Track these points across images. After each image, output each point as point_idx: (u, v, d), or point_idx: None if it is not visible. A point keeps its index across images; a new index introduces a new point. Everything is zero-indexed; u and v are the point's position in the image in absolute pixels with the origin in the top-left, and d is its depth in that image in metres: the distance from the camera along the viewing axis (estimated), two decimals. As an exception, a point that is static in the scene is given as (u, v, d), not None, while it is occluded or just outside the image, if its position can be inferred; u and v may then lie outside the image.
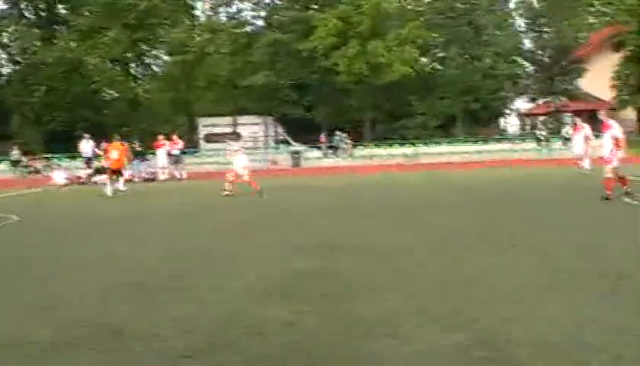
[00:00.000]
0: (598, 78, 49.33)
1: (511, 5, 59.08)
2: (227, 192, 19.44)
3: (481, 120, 52.92)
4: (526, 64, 56.04)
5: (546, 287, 6.72)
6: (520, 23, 58.50)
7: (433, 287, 6.91)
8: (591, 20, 59.32)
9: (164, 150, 32.85)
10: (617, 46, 49.32)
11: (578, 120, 27.18)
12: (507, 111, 59.89)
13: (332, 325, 5.61)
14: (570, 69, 51.15)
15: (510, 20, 58.50)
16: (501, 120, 60.19)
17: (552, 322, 5.47)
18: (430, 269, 7.85)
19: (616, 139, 15.20)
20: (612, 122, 15.86)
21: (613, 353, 4.68)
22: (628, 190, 14.85)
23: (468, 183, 22.90)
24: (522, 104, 59.96)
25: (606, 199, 14.41)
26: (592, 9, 54.12)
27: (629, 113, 50.45)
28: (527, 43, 57.45)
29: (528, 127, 57.15)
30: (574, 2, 52.08)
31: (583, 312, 5.72)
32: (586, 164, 24.12)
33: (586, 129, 25.11)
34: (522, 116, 61.75)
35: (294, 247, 9.72)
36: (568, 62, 51.24)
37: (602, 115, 16.72)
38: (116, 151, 23.23)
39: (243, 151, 21.22)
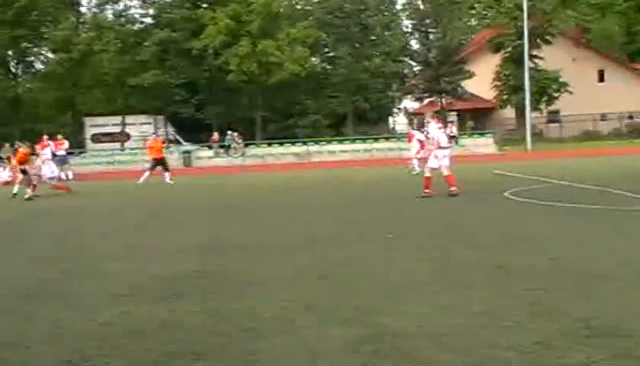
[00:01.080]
0: (481, 78, 51.29)
1: (398, 7, 60.53)
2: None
3: (370, 119, 53.93)
4: (414, 64, 57.56)
5: (434, 278, 6.91)
6: (407, 24, 60.02)
7: (324, 283, 6.97)
8: (473, 22, 61.61)
9: (49, 151, 31.60)
10: (497, 48, 51.46)
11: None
12: (396, 110, 61.31)
13: (221, 324, 5.56)
14: (455, 69, 52.92)
15: (398, 21, 59.90)
16: (390, 119, 61.51)
17: (442, 312, 5.62)
18: (321, 265, 7.92)
19: (421, 141, 15.99)
20: (432, 123, 16.38)
21: (505, 343, 4.86)
22: (452, 189, 15.31)
23: (360, 180, 23.28)
24: (409, 103, 61.55)
25: (425, 197, 15.12)
26: (473, 11, 56.13)
27: (509, 111, 52.70)
28: (414, 44, 59.01)
29: (416, 126, 58.58)
30: (457, 4, 53.86)
31: (469, 302, 5.92)
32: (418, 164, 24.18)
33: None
34: (410, 114, 63.34)
35: (185, 247, 9.58)
36: (453, 63, 52.99)
37: (427, 116, 17.30)
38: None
39: None
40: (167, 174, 24.88)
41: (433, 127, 16.29)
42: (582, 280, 6.63)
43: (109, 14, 54.18)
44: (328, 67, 55.44)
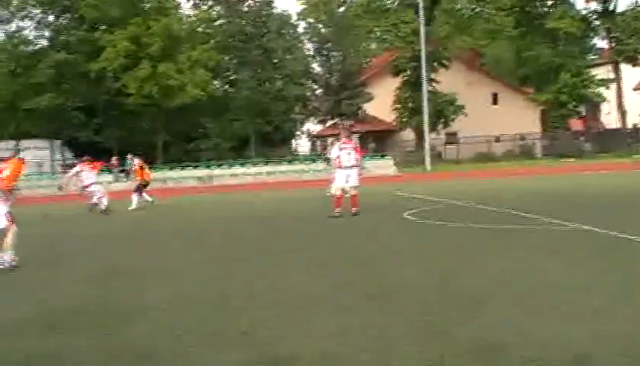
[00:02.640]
0: (381, 101, 52.38)
1: (300, 30, 61.17)
2: None
3: (273, 142, 54.04)
4: (316, 87, 58.21)
5: (327, 299, 6.93)
6: (309, 47, 60.69)
7: (213, 305, 6.89)
8: (373, 46, 62.95)
9: None
10: (396, 71, 52.76)
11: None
12: (298, 133, 61.77)
13: (103, 354, 5.38)
14: (356, 91, 53.83)
15: (300, 45, 60.50)
16: (293, 142, 61.87)
17: (333, 334, 5.63)
18: (211, 288, 7.82)
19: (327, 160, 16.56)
20: (337, 143, 16.74)
21: (397, 360, 4.90)
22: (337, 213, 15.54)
23: (258, 202, 23.23)
24: (312, 125, 62.19)
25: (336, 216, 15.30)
26: (373, 35, 57.38)
27: (409, 133, 53.94)
28: (316, 67, 59.70)
29: (319, 148, 59.18)
30: (357, 28, 54.92)
31: (359, 324, 5.96)
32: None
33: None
34: (312, 137, 63.91)
35: (76, 275, 9.28)
36: (354, 86, 53.90)
37: (343, 136, 17.27)
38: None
39: None
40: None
41: (335, 148, 16.50)
42: (470, 299, 6.80)
43: (0, 34, 52.35)
44: (231, 90, 55.31)
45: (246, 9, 54.68)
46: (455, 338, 5.44)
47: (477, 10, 53.37)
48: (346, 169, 16.02)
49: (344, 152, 16.19)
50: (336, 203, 15.74)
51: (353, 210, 15.60)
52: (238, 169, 41.85)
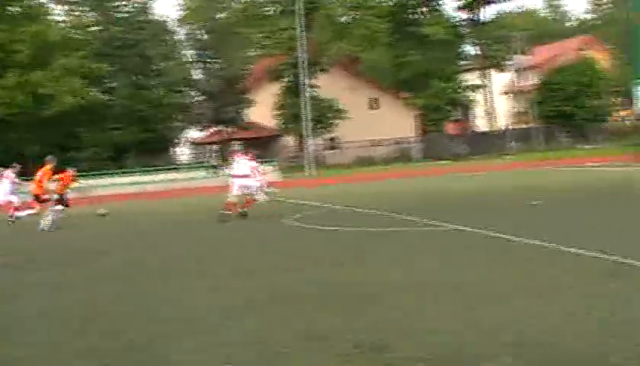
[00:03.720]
0: (263, 107, 52.50)
1: (179, 37, 60.35)
2: None
3: (154, 150, 52.93)
4: (197, 94, 57.57)
5: (206, 310, 6.93)
6: (189, 54, 59.93)
7: (96, 320, 6.76)
8: (254, 52, 63.01)
9: None
10: (276, 77, 53.07)
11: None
12: (180, 140, 60.85)
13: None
14: (237, 98, 53.69)
15: (179, 52, 59.67)
16: (174, 150, 60.88)
17: (215, 345, 5.65)
18: (90, 302, 7.66)
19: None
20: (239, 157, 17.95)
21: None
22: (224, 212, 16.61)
23: (143, 212, 22.76)
24: (194, 133, 61.43)
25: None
26: (253, 42, 57.42)
27: (291, 139, 54.33)
28: (197, 74, 59.04)
29: (201, 156, 58.61)
30: (237, 35, 54.77)
31: (242, 331, 6.01)
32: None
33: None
34: (194, 144, 63.18)
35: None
36: (235, 92, 53.75)
37: (235, 147, 18.61)
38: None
39: None
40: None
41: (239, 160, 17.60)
42: (352, 302, 6.99)
43: None
44: (109, 98, 53.78)
45: (122, 15, 53.41)
46: (337, 340, 5.60)
47: (355, 16, 54.47)
48: (241, 178, 17.06)
49: (239, 163, 17.47)
50: (227, 207, 16.69)
51: (243, 209, 16.84)
52: (117, 179, 40.80)
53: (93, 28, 54.00)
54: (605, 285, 6.93)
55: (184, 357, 5.42)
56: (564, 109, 55.46)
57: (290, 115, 51.37)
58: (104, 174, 41.84)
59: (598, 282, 7.13)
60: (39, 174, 19.04)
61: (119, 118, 50.64)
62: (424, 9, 59.06)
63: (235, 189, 16.95)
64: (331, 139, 55.98)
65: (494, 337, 5.39)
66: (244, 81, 57.09)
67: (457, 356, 5.02)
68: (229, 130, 53.26)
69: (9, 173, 20.66)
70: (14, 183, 20.54)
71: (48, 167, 18.90)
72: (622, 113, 57.79)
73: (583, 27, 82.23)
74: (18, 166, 21.00)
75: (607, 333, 5.27)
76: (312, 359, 5.18)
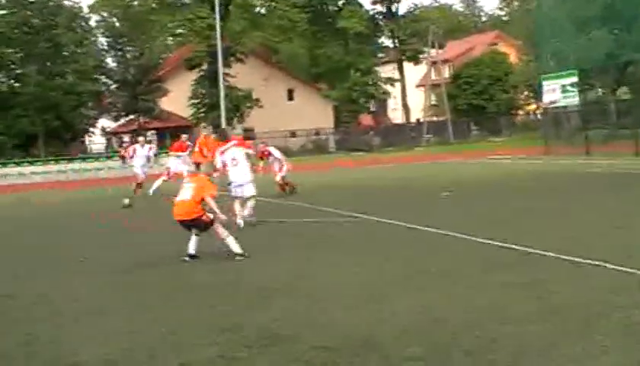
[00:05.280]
0: (178, 96, 51.73)
1: (92, 23, 58.67)
2: None
3: (64, 139, 51.40)
4: (110, 82, 56.22)
5: (115, 303, 6.88)
6: (102, 41, 58.39)
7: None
8: (169, 40, 61.96)
9: None
10: (192, 66, 52.40)
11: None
12: (92, 129, 59.30)
13: None
14: (152, 87, 52.72)
15: (92, 39, 58.03)
16: (86, 139, 59.26)
17: (123, 337, 5.63)
18: None
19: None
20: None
21: (189, 359, 5.01)
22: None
23: (54, 202, 22.17)
24: (107, 122, 59.99)
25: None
26: (169, 30, 56.46)
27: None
28: (110, 62, 57.62)
29: (115, 145, 57.27)
30: (152, 23, 53.69)
31: (152, 323, 6.00)
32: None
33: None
34: (108, 134, 61.76)
35: None
36: (150, 81, 52.76)
37: (184, 139, 17.83)
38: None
39: None
40: None
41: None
42: (260, 294, 7.07)
43: None
44: (16, 85, 51.79)
45: (32, 0, 51.50)
46: (245, 331, 5.67)
47: (272, 6, 54.25)
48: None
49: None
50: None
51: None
52: (25, 168, 39.47)
53: (1, 12, 51.93)
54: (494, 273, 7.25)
55: (91, 349, 5.38)
56: (476, 102, 57.00)
57: (206, 105, 50.86)
58: (9, 163, 40.47)
59: (488, 270, 7.46)
60: None
61: (27, 106, 48.85)
62: (341, 2, 59.42)
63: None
64: (248, 130, 55.71)
65: (400, 328, 5.56)
66: (160, 69, 56.11)
67: (364, 344, 5.15)
68: (143, 119, 52.25)
69: None
70: None
71: None
72: (530, 106, 59.82)
73: (494, 23, 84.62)
74: None
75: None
76: (219, 346, 5.24)
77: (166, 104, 53.40)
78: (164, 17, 52.07)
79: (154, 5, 52.25)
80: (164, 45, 63.99)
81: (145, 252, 10.42)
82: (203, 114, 51.40)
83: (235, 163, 12.63)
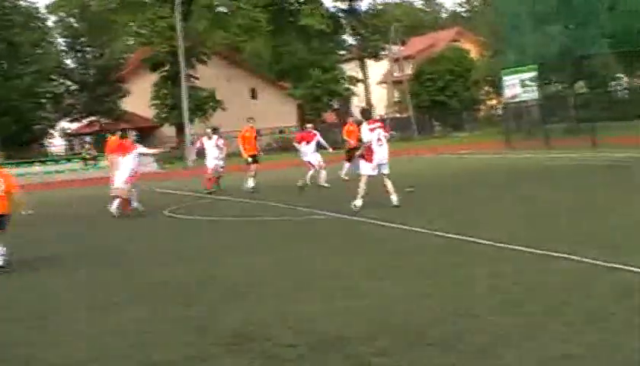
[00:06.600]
0: (141, 97, 51.27)
1: (50, 24, 57.74)
2: None
3: (23, 142, 50.48)
4: (70, 83, 55.46)
5: (81, 301, 6.82)
6: (61, 42, 57.49)
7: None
8: (130, 41, 61.27)
9: None
10: (154, 67, 51.94)
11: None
12: (52, 131, 58.35)
13: None
14: (113, 88, 52.16)
15: (50, 39, 57.14)
16: (46, 141, 58.27)
17: (93, 338, 5.59)
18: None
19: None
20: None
21: (157, 360, 4.98)
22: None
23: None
24: (67, 123, 59.14)
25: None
26: (129, 30, 55.84)
27: (169, 129, 53.27)
28: (70, 63, 56.76)
29: (76, 147, 56.48)
30: (113, 23, 53.02)
31: (120, 324, 5.96)
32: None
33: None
34: (68, 135, 60.92)
35: None
36: (112, 82, 52.18)
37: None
38: None
39: None
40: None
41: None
42: (231, 292, 7.07)
43: None
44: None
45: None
46: (215, 329, 5.67)
47: (234, 6, 53.95)
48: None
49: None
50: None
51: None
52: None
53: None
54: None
55: (61, 350, 5.33)
56: (438, 98, 57.39)
57: (169, 105, 50.44)
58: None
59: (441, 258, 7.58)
60: None
61: (-18, 107, 47.82)
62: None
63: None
64: (213, 130, 55.40)
65: (366, 320, 5.61)
66: (121, 70, 55.53)
67: (333, 340, 5.18)
68: (104, 121, 51.67)
69: None
70: None
71: None
72: (491, 102, 60.42)
73: (455, 19, 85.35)
74: None
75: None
76: (192, 348, 5.23)
77: (129, 104, 52.90)
78: (125, 17, 51.46)
79: (114, 5, 51.58)
80: (125, 45, 63.28)
81: (113, 250, 10.33)
82: (165, 115, 51.03)
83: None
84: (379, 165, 13.00)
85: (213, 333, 5.58)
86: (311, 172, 19.83)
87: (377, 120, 14.19)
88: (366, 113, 14.79)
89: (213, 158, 20.87)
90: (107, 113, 51.53)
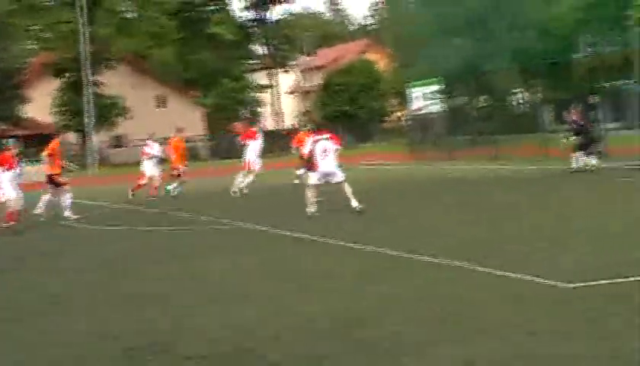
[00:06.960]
0: (41, 103, 49.58)
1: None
2: None
3: None
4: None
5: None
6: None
7: None
8: (31, 45, 59.23)
9: None
10: (57, 72, 50.40)
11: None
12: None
13: None
14: (12, 94, 50.29)
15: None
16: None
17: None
18: None
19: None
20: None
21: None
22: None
23: None
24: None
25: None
26: (30, 34, 54.03)
27: (71, 136, 51.69)
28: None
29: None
30: (12, 26, 51.12)
31: (28, 330, 5.75)
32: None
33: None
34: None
35: None
36: (10, 87, 50.30)
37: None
38: None
39: None
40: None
41: None
42: (137, 301, 6.93)
43: None
44: None
45: None
46: (119, 338, 5.55)
47: (141, 12, 53.07)
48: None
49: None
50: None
51: (3, 225, 14.03)
52: None
53: None
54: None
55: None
56: (347, 109, 57.98)
57: (71, 112, 48.97)
58: None
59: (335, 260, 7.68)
60: None
61: None
62: (212, 7, 58.96)
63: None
64: (117, 137, 54.25)
65: (269, 329, 5.60)
66: (21, 75, 53.60)
67: (235, 350, 5.15)
68: (2, 127, 49.68)
69: None
70: None
71: None
72: (398, 113, 61.55)
73: (364, 31, 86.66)
74: None
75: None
76: (89, 358, 5.11)
77: (32, 110, 51.09)
78: (25, 21, 49.74)
79: (12, 7, 49.73)
80: (26, 50, 61.12)
81: (13, 261, 9.95)
82: (67, 121, 49.49)
83: None
84: (326, 175, 13.18)
85: (114, 342, 5.46)
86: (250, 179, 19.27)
87: (324, 132, 14.18)
88: (312, 127, 14.99)
89: (154, 165, 20.68)
90: (5, 119, 49.61)
